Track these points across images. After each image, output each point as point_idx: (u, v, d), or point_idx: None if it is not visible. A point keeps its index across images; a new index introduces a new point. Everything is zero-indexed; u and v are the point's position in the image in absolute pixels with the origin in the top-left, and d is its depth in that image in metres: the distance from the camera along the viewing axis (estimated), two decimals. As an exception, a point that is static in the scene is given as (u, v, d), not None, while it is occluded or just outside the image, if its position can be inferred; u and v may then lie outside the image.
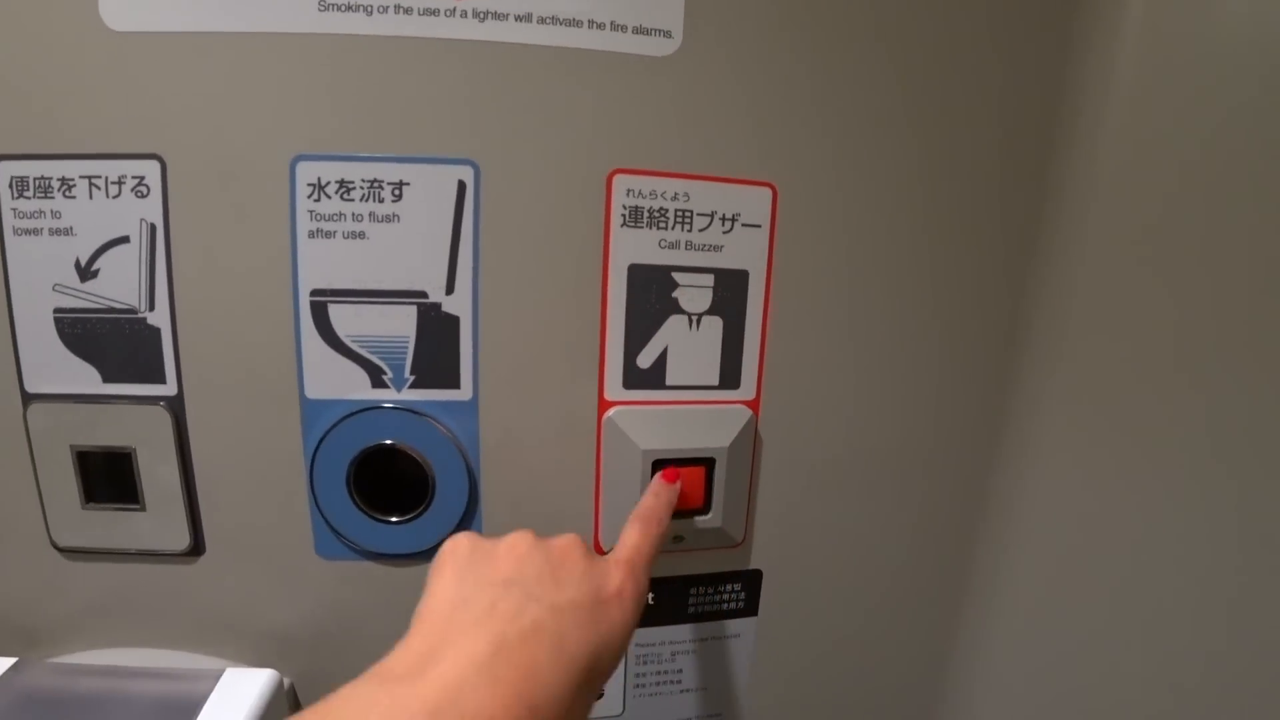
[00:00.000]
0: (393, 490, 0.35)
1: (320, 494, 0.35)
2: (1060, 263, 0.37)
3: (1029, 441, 0.39)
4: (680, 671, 0.41)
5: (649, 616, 0.39)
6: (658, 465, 0.35)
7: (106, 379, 0.34)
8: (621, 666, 0.40)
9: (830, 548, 0.40)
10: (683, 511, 0.36)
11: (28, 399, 0.34)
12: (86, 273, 0.33)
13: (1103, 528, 0.37)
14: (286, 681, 0.37)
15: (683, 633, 0.40)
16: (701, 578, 0.39)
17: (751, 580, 0.40)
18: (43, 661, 0.35)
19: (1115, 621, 0.36)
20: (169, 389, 0.34)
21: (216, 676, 0.35)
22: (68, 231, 0.32)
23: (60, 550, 0.36)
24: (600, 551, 0.37)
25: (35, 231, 0.32)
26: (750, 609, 0.40)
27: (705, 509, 0.36)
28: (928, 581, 0.42)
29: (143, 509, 0.35)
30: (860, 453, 0.39)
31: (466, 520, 0.36)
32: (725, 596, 0.40)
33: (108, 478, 0.35)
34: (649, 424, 0.35)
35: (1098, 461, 0.37)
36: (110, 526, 0.35)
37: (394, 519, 0.35)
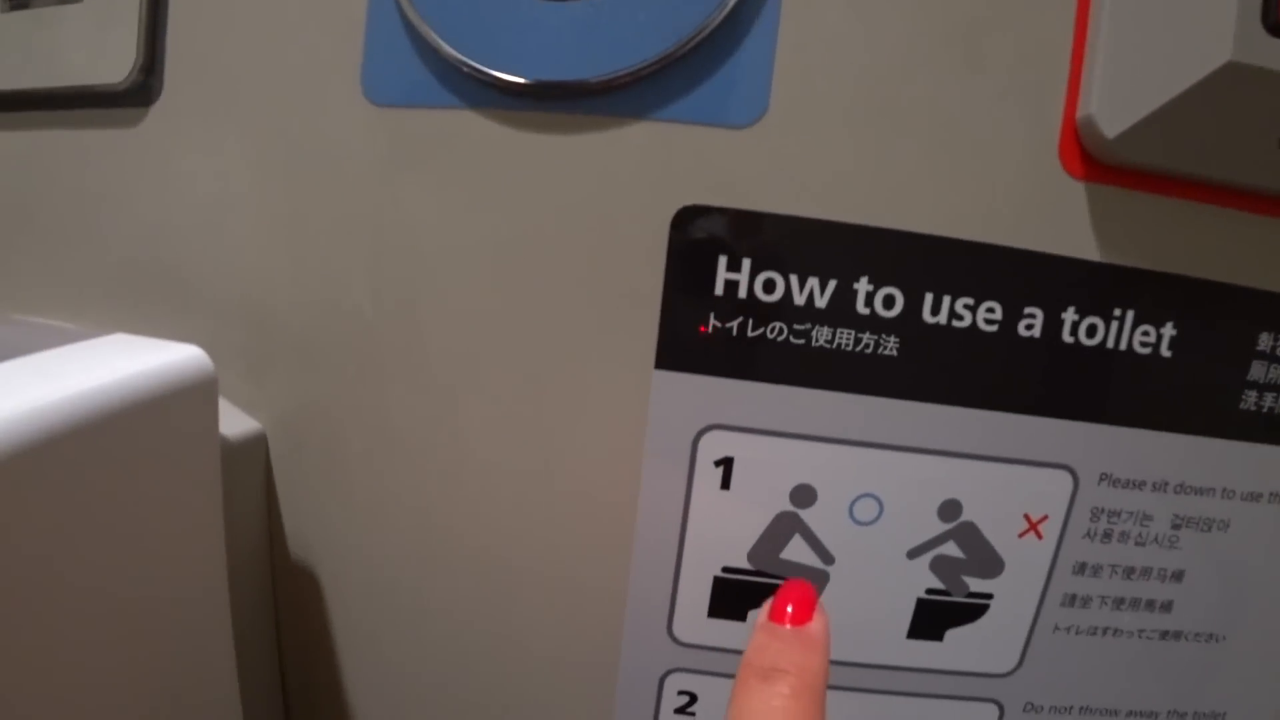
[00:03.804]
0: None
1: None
2: None
3: None
4: (1180, 578, 0.16)
5: (1114, 414, 0.15)
6: None
7: None
8: (1045, 558, 0.15)
9: None
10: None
11: None
12: None
13: None
14: (251, 423, 0.17)
15: (1208, 466, 0.15)
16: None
17: None
18: None
19: None
20: None
21: (90, 336, 0.15)
22: None
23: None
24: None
25: None
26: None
27: None
28: None
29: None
30: None
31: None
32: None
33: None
34: None
35: None
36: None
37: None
